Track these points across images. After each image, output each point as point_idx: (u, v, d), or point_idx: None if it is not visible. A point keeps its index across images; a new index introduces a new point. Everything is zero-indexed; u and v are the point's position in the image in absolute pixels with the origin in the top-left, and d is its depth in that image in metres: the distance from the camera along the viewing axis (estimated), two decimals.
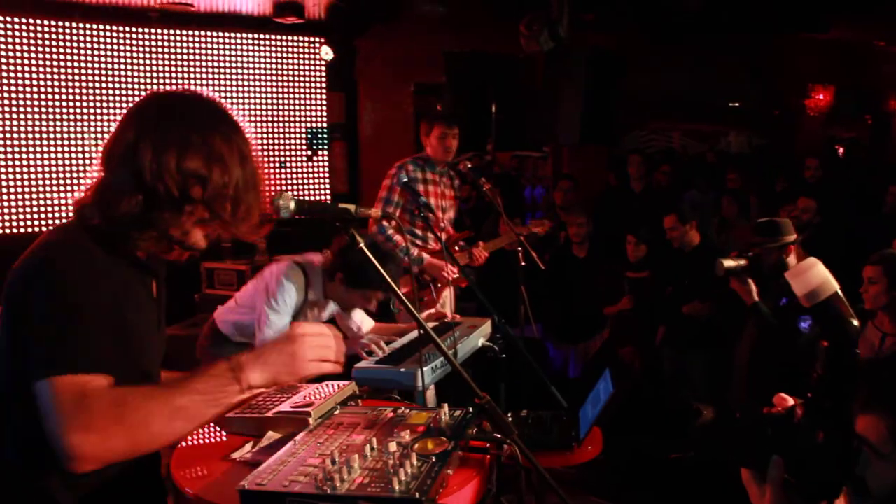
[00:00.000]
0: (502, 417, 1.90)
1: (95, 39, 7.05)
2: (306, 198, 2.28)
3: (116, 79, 7.24)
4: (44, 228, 6.01)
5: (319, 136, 8.59)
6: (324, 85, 8.59)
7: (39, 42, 6.76)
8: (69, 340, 1.66)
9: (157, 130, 1.79)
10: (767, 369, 4.82)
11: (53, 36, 6.82)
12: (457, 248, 5.21)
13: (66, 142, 6.89)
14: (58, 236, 1.84)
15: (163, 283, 2.12)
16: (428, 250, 5.05)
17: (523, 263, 4.60)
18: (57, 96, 6.87)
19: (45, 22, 6.78)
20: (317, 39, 8.41)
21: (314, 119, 8.55)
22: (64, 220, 2.02)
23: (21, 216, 6.59)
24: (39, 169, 6.75)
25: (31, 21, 6.67)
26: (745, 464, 1.58)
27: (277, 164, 8.29)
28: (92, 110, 7.04)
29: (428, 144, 5.14)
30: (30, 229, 6.59)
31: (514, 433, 1.87)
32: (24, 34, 6.65)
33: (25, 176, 6.65)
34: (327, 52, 8.35)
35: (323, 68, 8.53)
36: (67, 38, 6.90)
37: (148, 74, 7.40)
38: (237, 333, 3.88)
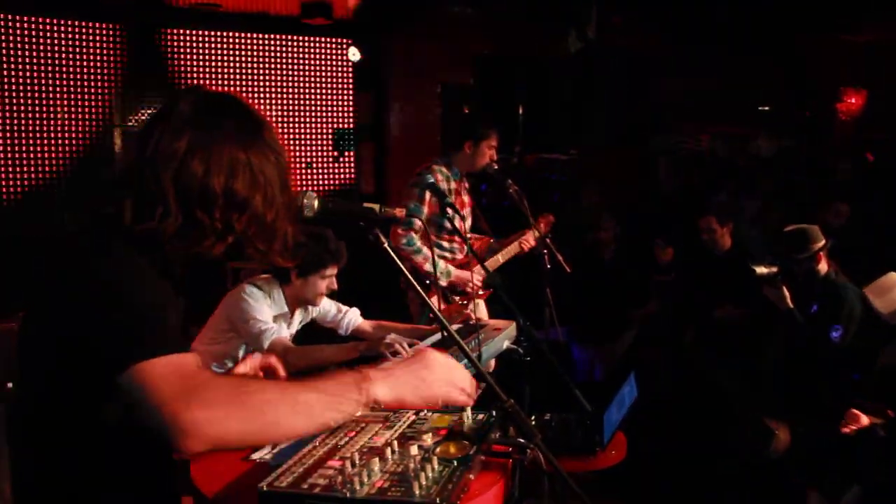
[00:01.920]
0: (526, 421, 1.87)
1: (124, 40, 7.11)
2: (330, 197, 2.26)
3: (146, 80, 7.30)
4: None
5: (346, 136, 8.60)
6: (351, 85, 8.60)
7: (68, 42, 6.83)
8: (146, 327, 1.55)
9: (208, 143, 1.69)
10: (799, 377, 4.75)
11: (83, 36, 6.89)
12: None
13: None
14: (94, 236, 1.71)
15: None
16: (455, 262, 5.01)
17: (548, 266, 4.56)
18: (87, 97, 6.94)
19: (75, 22, 6.86)
20: (344, 40, 8.43)
21: (341, 120, 8.57)
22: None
23: None
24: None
25: (57, 21, 6.75)
26: (820, 484, 1.55)
27: (304, 165, 8.31)
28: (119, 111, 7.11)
29: (465, 155, 5.04)
30: None
31: (538, 437, 1.84)
32: (57, 34, 6.72)
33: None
34: (355, 53, 8.36)
35: (350, 69, 8.54)
36: (96, 38, 6.97)
37: (176, 75, 7.45)
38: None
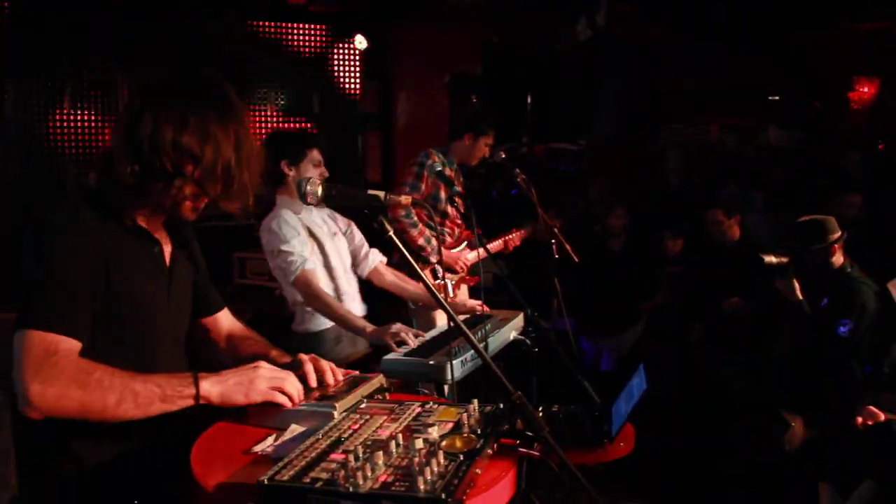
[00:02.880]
0: (534, 414, 1.83)
1: (131, 29, 7.07)
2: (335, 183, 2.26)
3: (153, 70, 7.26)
4: None
5: (353, 126, 8.55)
6: (358, 74, 8.55)
7: (74, 31, 6.79)
8: (47, 299, 1.85)
9: (159, 105, 1.93)
10: (808, 370, 4.70)
11: (90, 26, 6.85)
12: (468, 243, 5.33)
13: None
14: (56, 205, 1.98)
15: (186, 255, 2.23)
16: (445, 245, 5.14)
17: (557, 256, 4.52)
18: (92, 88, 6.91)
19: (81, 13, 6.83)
20: (351, 29, 8.37)
21: (348, 109, 8.51)
22: None
23: None
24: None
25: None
26: (833, 478, 1.50)
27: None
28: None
29: (464, 146, 5.21)
30: None
31: (546, 430, 1.80)
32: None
33: None
34: (361, 42, 8.30)
35: (357, 58, 8.49)
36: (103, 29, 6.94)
37: (183, 63, 7.40)
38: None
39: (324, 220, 4.00)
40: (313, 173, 3.78)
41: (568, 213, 6.86)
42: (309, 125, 8.22)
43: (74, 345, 1.86)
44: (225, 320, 2.52)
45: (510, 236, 5.41)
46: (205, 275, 2.40)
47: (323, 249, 3.89)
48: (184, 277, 2.23)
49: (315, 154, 3.85)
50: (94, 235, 1.94)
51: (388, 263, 4.17)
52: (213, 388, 1.91)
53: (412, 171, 5.01)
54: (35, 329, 1.82)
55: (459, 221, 5.27)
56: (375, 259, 4.12)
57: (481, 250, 4.93)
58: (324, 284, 3.79)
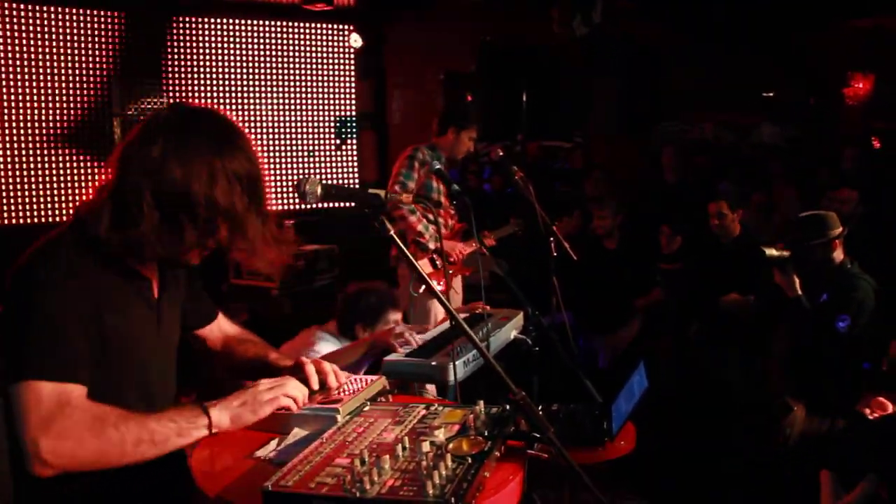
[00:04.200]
0: (538, 414, 1.81)
1: (123, 28, 7.03)
2: (335, 183, 2.27)
3: (147, 68, 7.22)
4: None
5: (348, 124, 8.51)
6: (353, 73, 8.51)
7: (69, 29, 6.75)
8: (49, 347, 1.73)
9: (185, 154, 1.79)
10: (807, 365, 4.69)
11: (83, 24, 6.81)
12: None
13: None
14: (45, 242, 1.88)
15: (172, 277, 2.14)
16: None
17: (555, 254, 4.50)
18: (85, 84, 6.86)
19: (76, 10, 6.78)
20: (346, 27, 8.33)
21: (343, 107, 8.48)
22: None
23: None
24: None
25: (57, 9, 6.67)
26: (839, 469, 1.48)
27: (306, 153, 8.23)
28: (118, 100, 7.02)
29: (448, 142, 5.25)
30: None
31: (551, 430, 1.78)
32: (57, 22, 6.64)
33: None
34: (356, 40, 8.26)
35: (352, 56, 8.45)
36: (96, 26, 6.89)
37: (178, 63, 7.37)
38: None
39: None
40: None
41: (562, 212, 6.83)
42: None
43: (84, 391, 1.77)
44: (219, 328, 2.44)
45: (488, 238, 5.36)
46: (195, 287, 2.31)
47: None
48: (172, 305, 2.16)
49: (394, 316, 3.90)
50: (89, 279, 1.84)
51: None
52: (222, 414, 1.86)
53: (404, 163, 5.04)
54: (40, 380, 1.70)
55: (453, 212, 5.30)
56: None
57: (476, 244, 4.98)
58: None
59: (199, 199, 1.77)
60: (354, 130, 8.55)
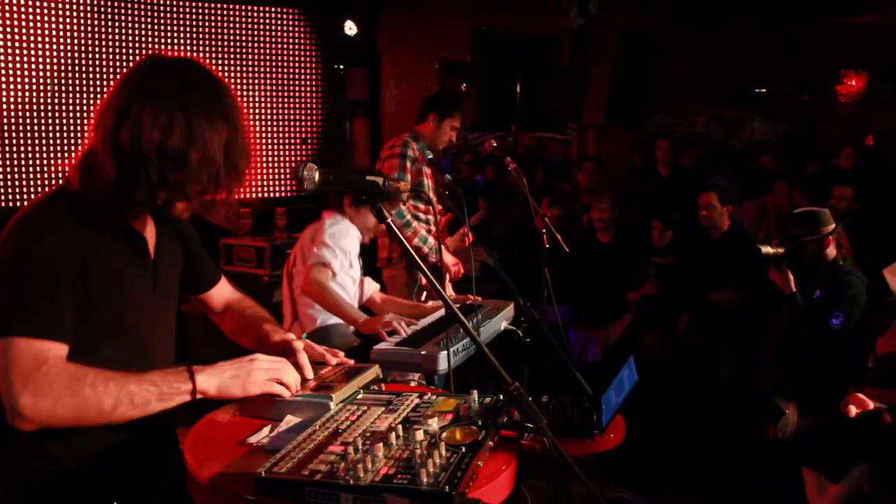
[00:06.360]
0: (531, 405, 1.80)
1: (114, 11, 6.96)
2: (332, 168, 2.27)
3: (132, 53, 7.14)
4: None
5: (340, 112, 8.47)
6: (346, 60, 8.46)
7: (52, 12, 6.67)
8: (30, 304, 1.75)
9: (146, 103, 1.79)
10: (798, 361, 4.70)
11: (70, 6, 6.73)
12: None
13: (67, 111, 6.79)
14: (35, 202, 1.91)
15: (172, 237, 2.14)
16: (432, 235, 5.06)
17: (547, 245, 4.49)
18: (79, 71, 6.80)
19: None
20: (340, 13, 8.28)
21: (336, 95, 8.43)
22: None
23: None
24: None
25: None
26: (821, 465, 1.49)
27: (299, 141, 8.19)
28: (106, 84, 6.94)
29: (429, 129, 5.09)
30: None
31: (544, 421, 1.77)
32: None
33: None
34: (350, 27, 8.21)
35: (345, 43, 8.40)
36: (92, 11, 6.82)
37: (173, 47, 7.30)
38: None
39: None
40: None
41: (554, 203, 6.82)
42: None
43: (63, 350, 1.77)
44: (220, 292, 2.43)
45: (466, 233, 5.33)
46: (196, 248, 2.29)
47: (353, 270, 4.03)
48: (170, 265, 2.14)
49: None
50: (74, 236, 1.84)
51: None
52: (208, 380, 1.85)
53: (394, 163, 4.91)
54: (20, 336, 1.72)
55: (440, 207, 5.20)
56: (370, 287, 4.19)
57: (466, 239, 4.96)
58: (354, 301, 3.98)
59: (151, 146, 1.77)
60: (346, 119, 8.51)
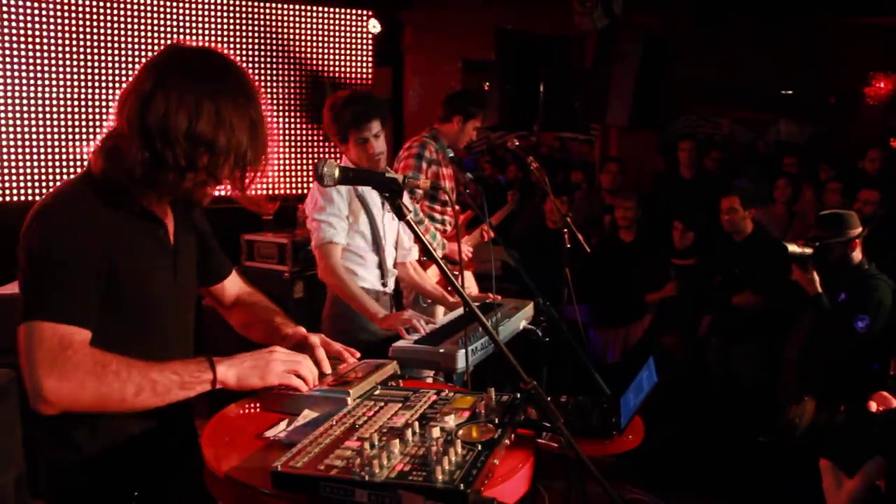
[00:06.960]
0: (549, 404, 1.78)
1: (135, 8, 7.00)
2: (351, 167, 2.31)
3: (155, 49, 7.18)
4: None
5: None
6: (370, 59, 8.47)
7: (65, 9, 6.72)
8: (56, 289, 1.78)
9: (171, 88, 1.82)
10: (821, 363, 4.66)
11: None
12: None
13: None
14: (59, 188, 1.96)
15: (188, 226, 2.17)
16: (445, 234, 5.04)
17: (568, 245, 4.48)
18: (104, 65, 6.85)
19: None
20: (364, 12, 8.29)
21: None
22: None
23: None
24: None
25: None
26: (838, 458, 1.48)
27: (322, 138, 8.20)
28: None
29: (453, 130, 5.07)
30: None
31: (561, 420, 1.76)
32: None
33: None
34: (374, 26, 8.21)
35: (370, 42, 8.41)
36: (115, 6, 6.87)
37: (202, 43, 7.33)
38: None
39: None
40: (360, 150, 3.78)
41: (574, 204, 6.80)
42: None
43: (87, 335, 1.80)
44: (231, 287, 2.44)
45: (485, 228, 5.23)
46: (209, 240, 2.31)
47: (373, 221, 3.79)
48: (188, 252, 2.17)
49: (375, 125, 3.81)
50: (99, 221, 1.87)
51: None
52: (228, 371, 1.88)
53: (410, 163, 4.89)
54: (46, 321, 1.74)
55: (458, 207, 5.21)
56: (411, 254, 4.08)
57: (485, 235, 4.93)
58: (368, 256, 3.78)
59: (180, 130, 1.81)
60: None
